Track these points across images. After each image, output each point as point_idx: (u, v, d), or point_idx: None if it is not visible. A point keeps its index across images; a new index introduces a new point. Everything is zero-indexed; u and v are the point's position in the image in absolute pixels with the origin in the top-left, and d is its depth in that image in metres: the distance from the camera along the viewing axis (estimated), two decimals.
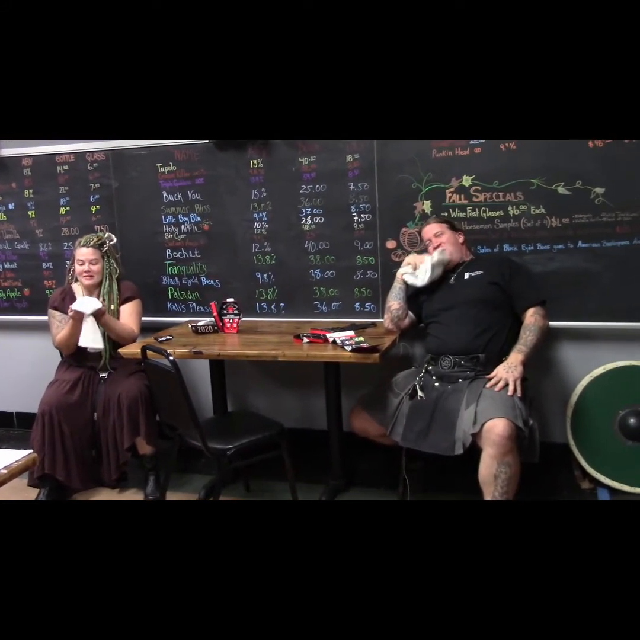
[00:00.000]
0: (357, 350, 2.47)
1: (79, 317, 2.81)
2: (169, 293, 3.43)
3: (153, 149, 3.31)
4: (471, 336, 2.53)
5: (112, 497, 2.95)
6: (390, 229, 3.02)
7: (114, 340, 2.96)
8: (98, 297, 3.01)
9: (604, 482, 2.73)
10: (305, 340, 2.67)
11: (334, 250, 3.11)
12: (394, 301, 2.72)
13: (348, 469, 2.97)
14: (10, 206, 3.60)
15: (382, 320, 2.87)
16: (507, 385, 2.36)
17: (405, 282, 2.70)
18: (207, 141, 3.19)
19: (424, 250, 2.90)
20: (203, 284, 3.36)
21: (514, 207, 2.81)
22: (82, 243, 3.00)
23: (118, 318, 3.01)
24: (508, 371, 2.39)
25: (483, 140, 2.81)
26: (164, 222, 3.37)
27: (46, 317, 3.12)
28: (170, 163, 3.29)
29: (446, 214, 2.89)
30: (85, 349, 2.93)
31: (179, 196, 3.31)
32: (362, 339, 2.62)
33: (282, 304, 3.26)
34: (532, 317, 2.51)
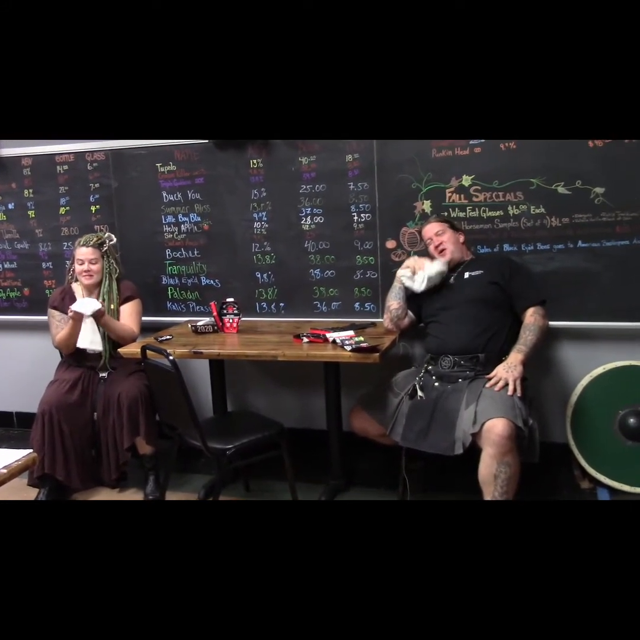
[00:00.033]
0: (356, 350, 2.47)
1: (78, 318, 2.81)
2: (169, 293, 3.43)
3: (153, 149, 3.31)
4: (471, 336, 2.53)
5: (112, 497, 2.95)
6: (390, 229, 3.02)
7: (113, 340, 2.96)
8: (98, 297, 3.01)
9: (603, 481, 2.73)
10: (305, 340, 2.67)
11: (334, 250, 3.11)
12: (394, 301, 2.72)
13: (348, 469, 2.97)
14: (10, 206, 3.60)
15: (381, 320, 2.87)
16: (506, 385, 2.36)
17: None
18: (206, 141, 3.19)
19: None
20: (203, 284, 3.36)
21: (514, 206, 2.81)
22: (81, 243, 3.00)
23: (118, 318, 3.01)
24: (508, 371, 2.39)
25: (483, 140, 2.81)
26: (163, 221, 3.37)
27: (46, 317, 3.12)
28: (170, 163, 3.29)
29: (446, 213, 2.89)
30: (84, 349, 2.94)
31: (178, 196, 3.31)
32: (361, 338, 2.62)
33: (281, 304, 3.26)
34: (532, 316, 2.51)
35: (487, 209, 2.85)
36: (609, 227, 2.70)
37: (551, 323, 2.62)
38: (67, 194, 3.49)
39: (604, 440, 2.74)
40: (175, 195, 3.32)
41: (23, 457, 1.59)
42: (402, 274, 2.69)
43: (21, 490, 2.86)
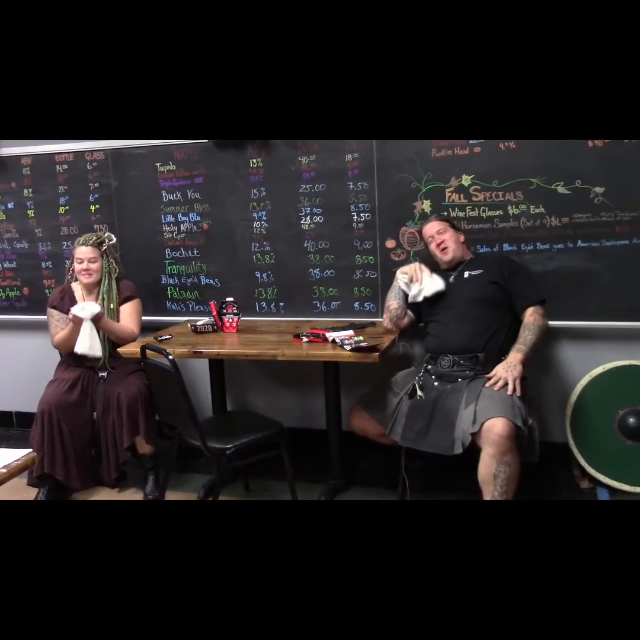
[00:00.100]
0: (356, 349, 2.47)
1: (78, 321, 2.81)
2: (169, 292, 3.43)
3: (152, 148, 3.31)
4: (470, 335, 2.53)
5: (111, 497, 2.95)
6: (389, 229, 3.02)
7: (113, 340, 2.96)
8: (97, 296, 3.01)
9: (603, 481, 2.73)
10: (305, 339, 2.67)
11: (334, 249, 3.11)
12: (394, 301, 2.72)
13: (347, 469, 2.97)
14: (10, 205, 3.60)
15: (381, 319, 2.87)
16: (506, 384, 2.36)
17: None
18: (206, 140, 3.19)
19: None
20: (202, 283, 3.36)
21: (514, 206, 2.81)
22: (81, 242, 3.00)
23: (118, 317, 3.01)
24: (507, 370, 2.39)
25: (483, 140, 2.81)
26: (163, 221, 3.36)
27: (45, 317, 3.12)
28: (170, 162, 3.29)
29: (446, 213, 2.88)
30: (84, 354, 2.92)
31: (178, 195, 3.31)
32: (361, 338, 2.62)
33: (281, 304, 3.26)
34: (531, 316, 2.51)
35: (486, 208, 2.85)
36: (609, 226, 2.70)
37: (551, 323, 2.62)
38: (66, 193, 3.49)
39: (604, 439, 2.74)
40: (174, 194, 3.31)
41: (22, 456, 1.59)
42: (401, 278, 2.70)
43: (21, 490, 2.86)
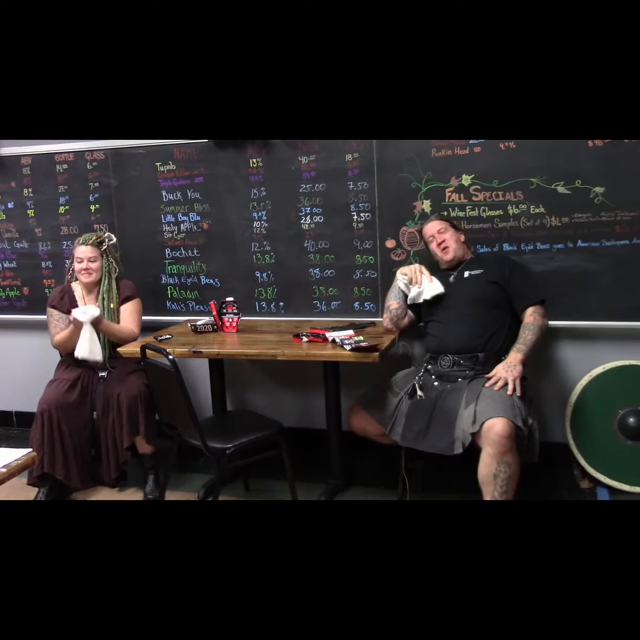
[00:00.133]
0: (356, 349, 2.47)
1: (78, 325, 2.81)
2: (169, 292, 3.43)
3: (152, 148, 3.31)
4: (470, 335, 2.53)
5: (111, 496, 2.95)
6: (389, 228, 3.02)
7: (114, 341, 2.96)
8: (97, 296, 3.01)
9: (603, 481, 2.73)
10: (305, 339, 2.67)
11: (334, 249, 3.11)
12: (394, 300, 2.72)
13: (347, 468, 2.97)
14: (10, 205, 3.60)
15: (381, 319, 2.87)
16: (506, 384, 2.36)
17: None
18: (206, 140, 3.19)
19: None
20: (202, 283, 3.36)
21: (514, 206, 2.81)
22: (81, 241, 3.00)
23: (118, 317, 3.01)
24: (507, 370, 2.39)
25: (483, 140, 2.80)
26: (163, 221, 3.36)
27: (45, 316, 3.12)
28: (170, 162, 3.29)
29: (446, 213, 2.88)
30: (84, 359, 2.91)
31: (178, 195, 3.31)
32: (361, 338, 2.62)
33: (281, 303, 3.26)
34: (531, 316, 2.51)
35: (486, 208, 2.85)
36: (609, 226, 2.70)
37: (551, 323, 2.62)
38: (66, 193, 3.49)
39: (604, 439, 2.75)
40: (174, 194, 3.31)
41: (22, 456, 1.59)
42: (400, 279, 2.70)
43: (21, 490, 2.86)
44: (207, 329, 3.00)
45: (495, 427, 2.21)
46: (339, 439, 2.91)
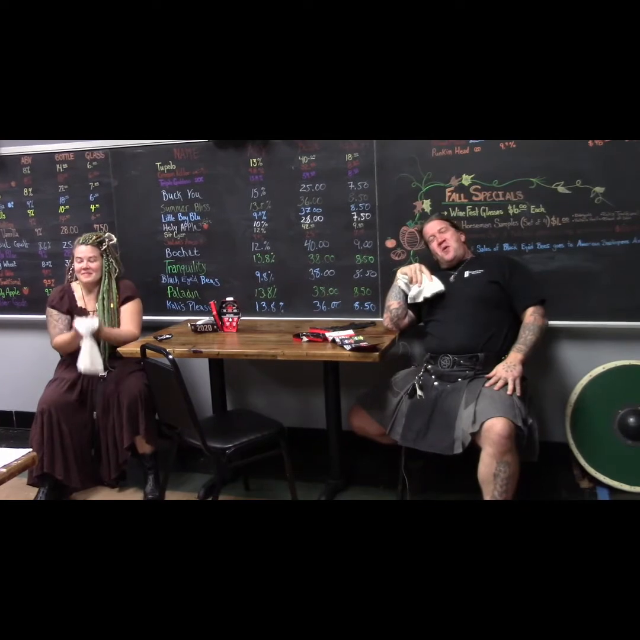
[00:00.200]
0: (356, 349, 2.47)
1: (79, 335, 2.80)
2: (169, 292, 3.43)
3: (152, 148, 3.30)
4: (470, 335, 2.53)
5: (111, 496, 2.95)
6: (389, 228, 3.02)
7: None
8: (97, 296, 3.01)
9: (603, 481, 2.73)
10: (305, 339, 2.67)
11: (334, 249, 3.11)
12: (394, 300, 2.72)
13: (347, 468, 2.97)
14: (10, 205, 3.60)
15: (381, 319, 2.86)
16: (506, 384, 2.36)
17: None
18: (206, 140, 3.19)
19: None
20: (202, 283, 3.36)
21: (514, 206, 2.81)
22: (81, 241, 3.00)
23: (118, 316, 3.01)
24: (507, 370, 2.39)
25: (483, 140, 2.80)
26: (163, 220, 3.36)
27: (45, 316, 3.12)
28: (170, 162, 3.29)
29: (446, 213, 2.88)
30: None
31: (178, 195, 3.31)
32: (361, 338, 2.62)
33: (281, 303, 3.26)
34: (531, 316, 2.51)
35: (487, 208, 2.85)
36: (609, 226, 2.70)
37: (551, 322, 2.62)
38: (66, 192, 3.49)
39: (604, 439, 2.75)
40: (174, 194, 3.31)
41: (22, 456, 1.59)
42: (401, 278, 2.70)
43: (20, 489, 2.86)
44: (207, 328, 3.00)
45: (495, 427, 2.21)
46: (339, 439, 2.91)
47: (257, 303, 3.29)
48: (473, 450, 2.30)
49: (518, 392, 2.35)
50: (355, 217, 3.06)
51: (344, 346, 2.51)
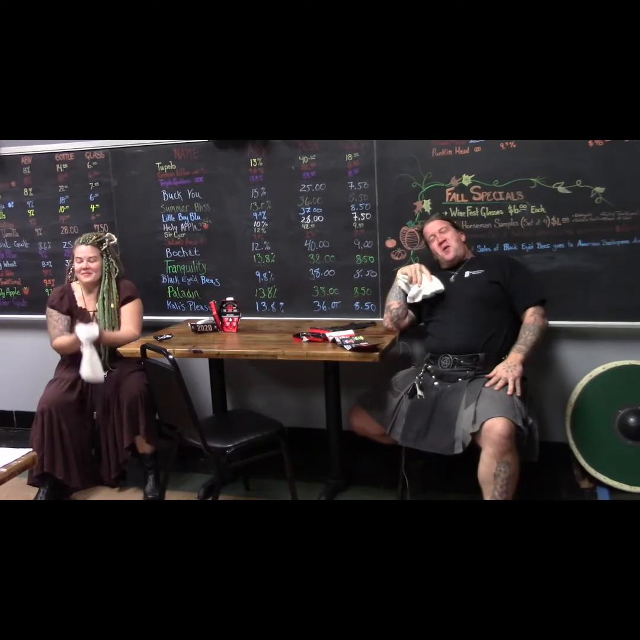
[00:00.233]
0: (356, 349, 2.47)
1: (80, 341, 2.80)
2: (169, 292, 3.43)
3: (152, 148, 3.30)
4: (470, 335, 2.53)
5: (111, 496, 2.95)
6: (390, 228, 3.02)
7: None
8: (97, 296, 3.01)
9: (603, 481, 2.73)
10: (305, 339, 2.67)
11: (334, 249, 3.11)
12: (394, 300, 2.72)
13: (347, 468, 2.97)
14: (10, 205, 3.60)
15: (381, 319, 2.87)
16: (506, 384, 2.36)
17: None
18: (206, 140, 3.19)
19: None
20: (202, 283, 3.36)
21: (514, 206, 2.81)
22: (81, 241, 3.00)
23: (118, 317, 3.01)
24: (507, 370, 2.39)
25: (483, 140, 2.80)
26: (163, 220, 3.36)
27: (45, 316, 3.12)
28: (170, 162, 3.29)
29: (446, 213, 2.88)
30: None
31: (178, 195, 3.31)
32: (361, 338, 2.62)
33: (281, 303, 3.26)
34: (531, 316, 2.51)
35: (487, 208, 2.85)
36: (609, 226, 2.70)
37: (551, 323, 2.62)
38: (66, 192, 3.49)
39: (604, 439, 2.75)
40: (175, 194, 3.31)
41: (23, 456, 1.59)
42: (401, 278, 2.69)
43: (21, 489, 2.86)
44: (207, 328, 3.00)
45: (496, 427, 2.21)
46: (339, 439, 2.91)
47: (257, 303, 3.29)
48: (473, 451, 2.30)
49: (518, 392, 2.35)
50: (355, 217, 3.06)
51: (344, 346, 2.51)
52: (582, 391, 2.79)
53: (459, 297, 2.61)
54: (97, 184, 3.43)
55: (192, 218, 3.31)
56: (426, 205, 2.94)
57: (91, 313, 3.02)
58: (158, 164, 3.31)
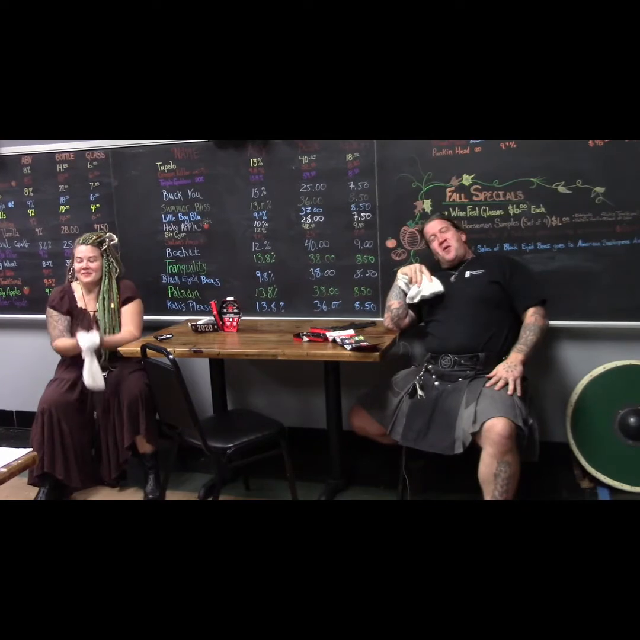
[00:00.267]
0: (357, 349, 2.47)
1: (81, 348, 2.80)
2: (169, 292, 3.43)
3: (153, 148, 3.30)
4: (471, 335, 2.53)
5: (111, 496, 2.95)
6: (390, 228, 3.02)
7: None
8: (97, 296, 3.01)
9: (604, 481, 2.73)
10: (305, 339, 2.67)
11: (334, 249, 3.11)
12: (395, 300, 2.72)
13: (347, 468, 2.97)
14: (10, 205, 3.60)
15: (382, 319, 2.87)
16: (506, 384, 2.36)
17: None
18: (206, 140, 3.19)
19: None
20: (203, 283, 3.36)
21: (514, 206, 2.81)
22: (81, 241, 3.00)
23: (119, 317, 3.01)
24: (508, 370, 2.39)
25: (483, 140, 2.80)
26: (163, 220, 3.36)
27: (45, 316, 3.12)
28: (170, 162, 3.29)
29: (446, 212, 2.88)
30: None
31: (178, 195, 3.31)
32: (362, 337, 2.62)
33: (282, 303, 3.26)
34: (532, 316, 2.51)
35: (487, 208, 2.85)
36: (610, 226, 2.70)
37: (552, 323, 2.62)
38: (67, 192, 3.49)
39: (604, 439, 2.74)
40: (175, 194, 3.31)
41: (23, 455, 1.59)
42: (401, 278, 2.69)
43: (21, 489, 2.86)
44: (208, 328, 3.00)
45: (496, 427, 2.21)
46: (339, 439, 2.91)
47: (257, 303, 3.29)
48: (474, 450, 2.30)
49: (519, 392, 2.35)
50: (355, 217, 3.06)
51: (345, 346, 2.51)
52: (583, 391, 2.79)
53: (460, 297, 2.61)
54: (97, 183, 3.43)
55: (193, 218, 3.31)
56: (426, 205, 2.94)
57: (91, 313, 3.02)
58: (158, 163, 3.31)
